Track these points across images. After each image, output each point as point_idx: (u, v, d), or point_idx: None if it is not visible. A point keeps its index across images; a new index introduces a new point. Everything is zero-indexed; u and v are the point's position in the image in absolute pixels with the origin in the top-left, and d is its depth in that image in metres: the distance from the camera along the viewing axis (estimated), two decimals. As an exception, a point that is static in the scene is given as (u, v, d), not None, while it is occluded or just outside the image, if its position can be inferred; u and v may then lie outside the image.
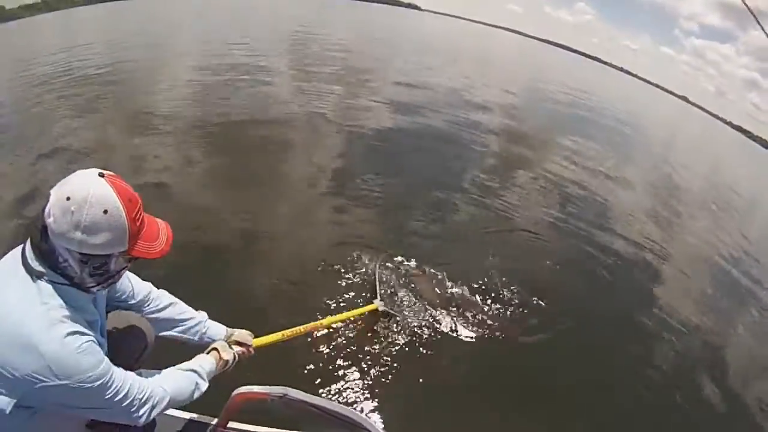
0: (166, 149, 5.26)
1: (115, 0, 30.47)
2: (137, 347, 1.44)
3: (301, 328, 2.16)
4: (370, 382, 2.68)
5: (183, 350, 1.50)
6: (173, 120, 6.23)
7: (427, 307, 3.51)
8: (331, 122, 7.27)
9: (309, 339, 2.78)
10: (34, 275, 0.98)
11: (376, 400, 2.57)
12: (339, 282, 3.50)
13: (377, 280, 3.43)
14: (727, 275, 5.87)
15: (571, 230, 5.43)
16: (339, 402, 2.14)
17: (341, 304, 3.25)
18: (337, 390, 2.57)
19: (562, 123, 12.67)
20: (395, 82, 12.22)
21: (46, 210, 0.93)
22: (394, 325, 3.20)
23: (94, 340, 1.01)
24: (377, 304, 3.07)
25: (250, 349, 1.64)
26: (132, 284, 1.45)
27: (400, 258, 3.92)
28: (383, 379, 2.73)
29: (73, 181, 0.96)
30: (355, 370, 2.73)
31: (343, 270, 3.62)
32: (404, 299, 3.57)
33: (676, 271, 5.43)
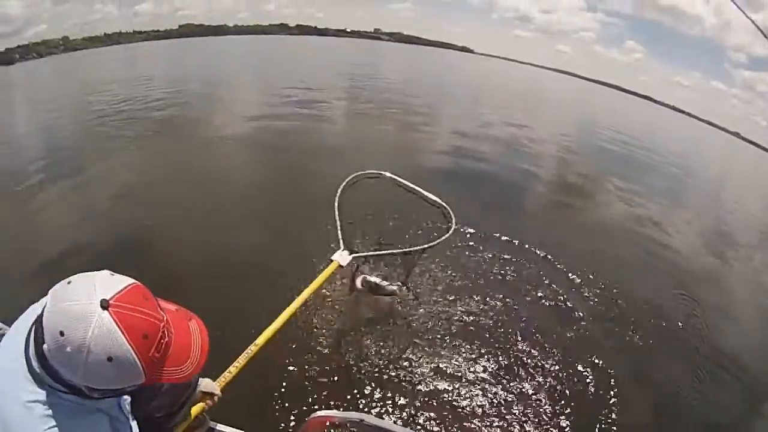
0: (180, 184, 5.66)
1: (172, 38, 33.52)
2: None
3: (258, 341, 1.95)
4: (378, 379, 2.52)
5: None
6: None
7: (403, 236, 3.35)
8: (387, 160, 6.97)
9: (278, 346, 2.43)
10: (36, 379, 0.85)
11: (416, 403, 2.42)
12: (300, 250, 3.45)
13: (338, 226, 3.03)
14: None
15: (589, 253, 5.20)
16: (412, 428, 2.15)
17: (302, 279, 2.73)
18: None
19: (616, 165, 12.19)
20: (446, 124, 12.16)
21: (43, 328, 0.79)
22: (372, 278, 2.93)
23: None
24: (339, 257, 2.65)
25: (215, 398, 1.64)
26: None
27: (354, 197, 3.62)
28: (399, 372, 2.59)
29: (68, 308, 0.77)
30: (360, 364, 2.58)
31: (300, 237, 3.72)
32: (371, 235, 3.40)
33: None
